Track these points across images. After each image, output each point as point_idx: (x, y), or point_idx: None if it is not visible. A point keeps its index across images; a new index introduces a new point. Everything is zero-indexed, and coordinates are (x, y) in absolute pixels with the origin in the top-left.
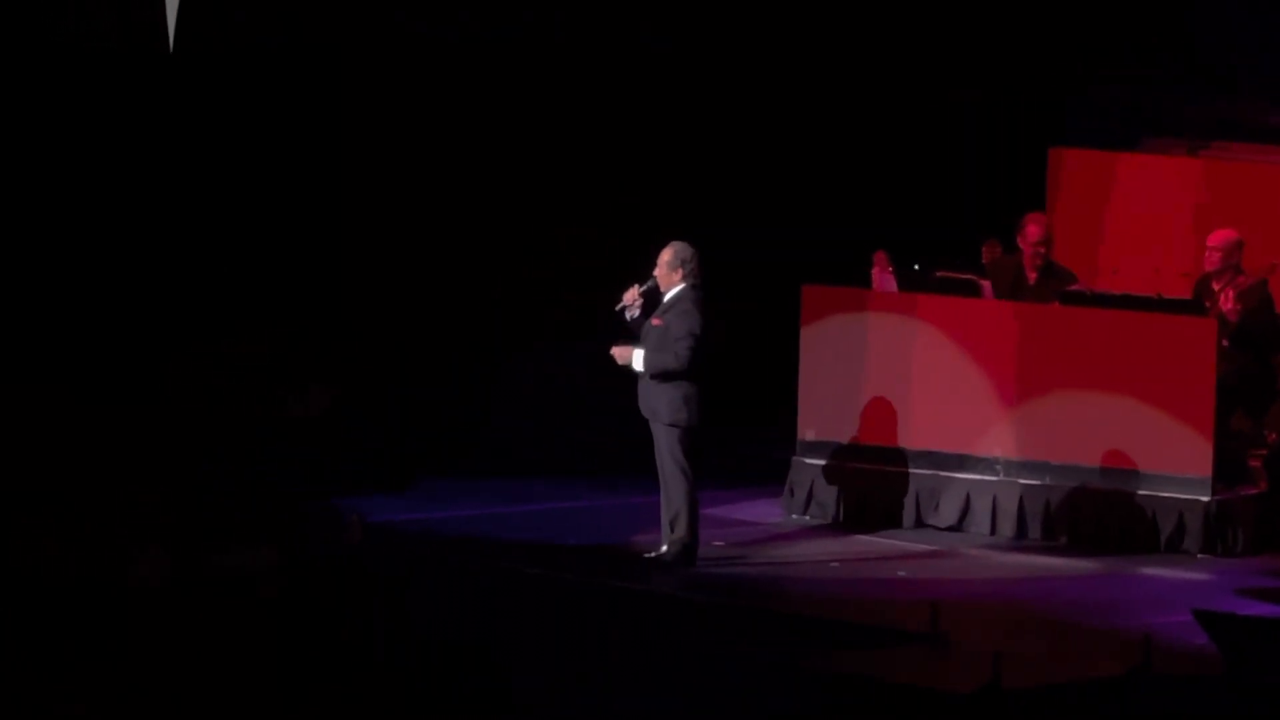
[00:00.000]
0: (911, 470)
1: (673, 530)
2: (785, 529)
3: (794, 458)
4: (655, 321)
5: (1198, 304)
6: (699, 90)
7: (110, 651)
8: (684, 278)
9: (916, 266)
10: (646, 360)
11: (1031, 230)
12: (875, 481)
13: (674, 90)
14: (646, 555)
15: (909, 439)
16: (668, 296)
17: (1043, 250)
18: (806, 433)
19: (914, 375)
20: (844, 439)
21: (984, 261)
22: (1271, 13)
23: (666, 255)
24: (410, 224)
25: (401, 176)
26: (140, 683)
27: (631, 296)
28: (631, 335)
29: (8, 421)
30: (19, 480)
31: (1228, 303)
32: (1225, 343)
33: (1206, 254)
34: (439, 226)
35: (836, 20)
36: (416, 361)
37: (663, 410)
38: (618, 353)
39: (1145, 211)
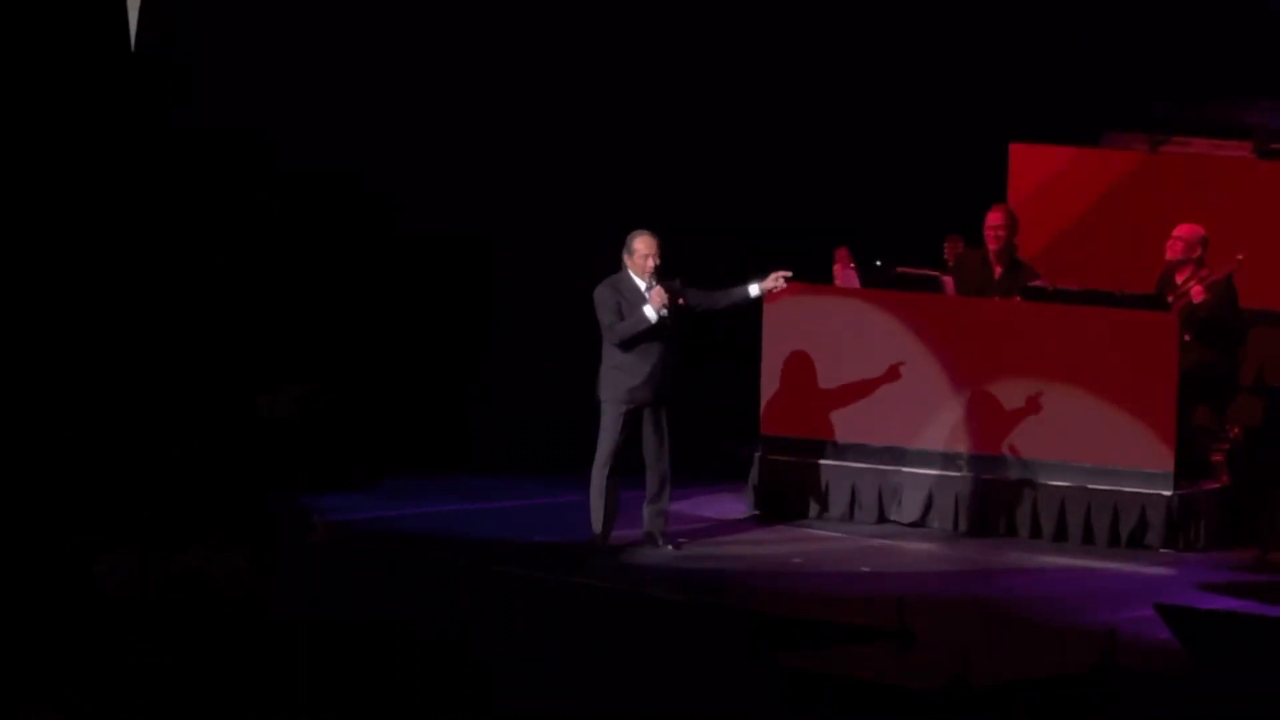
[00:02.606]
0: (874, 466)
1: (665, 517)
2: (748, 525)
3: (757, 454)
4: (681, 301)
5: (1159, 299)
6: (664, 81)
7: (78, 653)
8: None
9: (878, 263)
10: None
11: (992, 217)
12: (838, 477)
13: (643, 82)
14: (667, 546)
15: (871, 435)
16: (667, 282)
17: (1002, 234)
18: (769, 429)
19: (876, 371)
20: (807, 435)
21: (945, 258)
22: (1231, 10)
23: (653, 243)
24: (379, 223)
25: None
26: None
27: (661, 295)
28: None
29: None
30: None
31: (1199, 296)
32: (1188, 337)
33: (1170, 242)
34: (408, 225)
35: (804, 20)
36: (386, 359)
37: (670, 386)
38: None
39: (1106, 206)
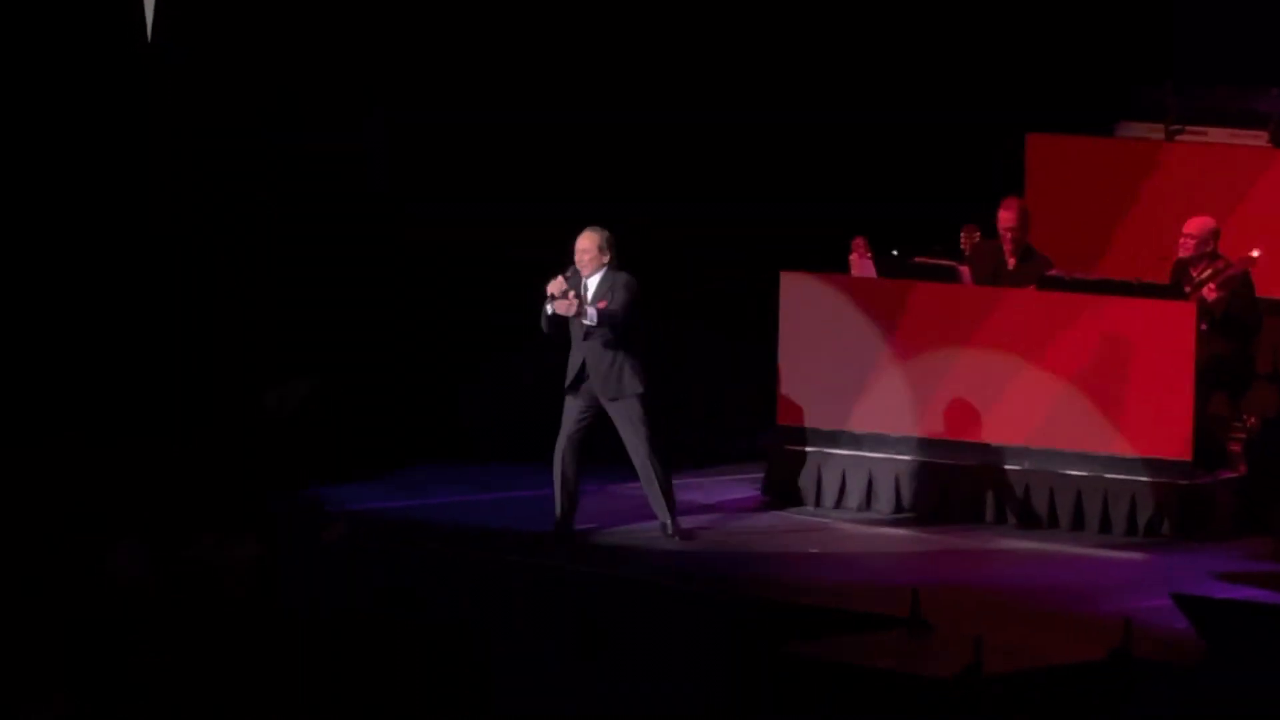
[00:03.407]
0: (890, 455)
1: (667, 505)
2: (764, 514)
3: (772, 443)
4: (601, 305)
5: (1176, 288)
6: (679, 68)
7: (85, 647)
8: (610, 260)
9: (895, 252)
10: (598, 316)
11: (1003, 215)
12: (854, 466)
13: (658, 69)
14: (673, 537)
15: (887, 424)
16: (596, 279)
17: (1016, 235)
18: (785, 418)
19: (892, 361)
20: (823, 424)
21: (962, 247)
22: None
23: (594, 240)
24: (389, 212)
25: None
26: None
27: (559, 285)
28: (557, 328)
29: None
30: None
31: (1212, 294)
32: (1204, 327)
33: (1181, 241)
34: (422, 213)
35: (822, 8)
36: (393, 352)
37: (628, 382)
38: (568, 306)
39: (1123, 196)
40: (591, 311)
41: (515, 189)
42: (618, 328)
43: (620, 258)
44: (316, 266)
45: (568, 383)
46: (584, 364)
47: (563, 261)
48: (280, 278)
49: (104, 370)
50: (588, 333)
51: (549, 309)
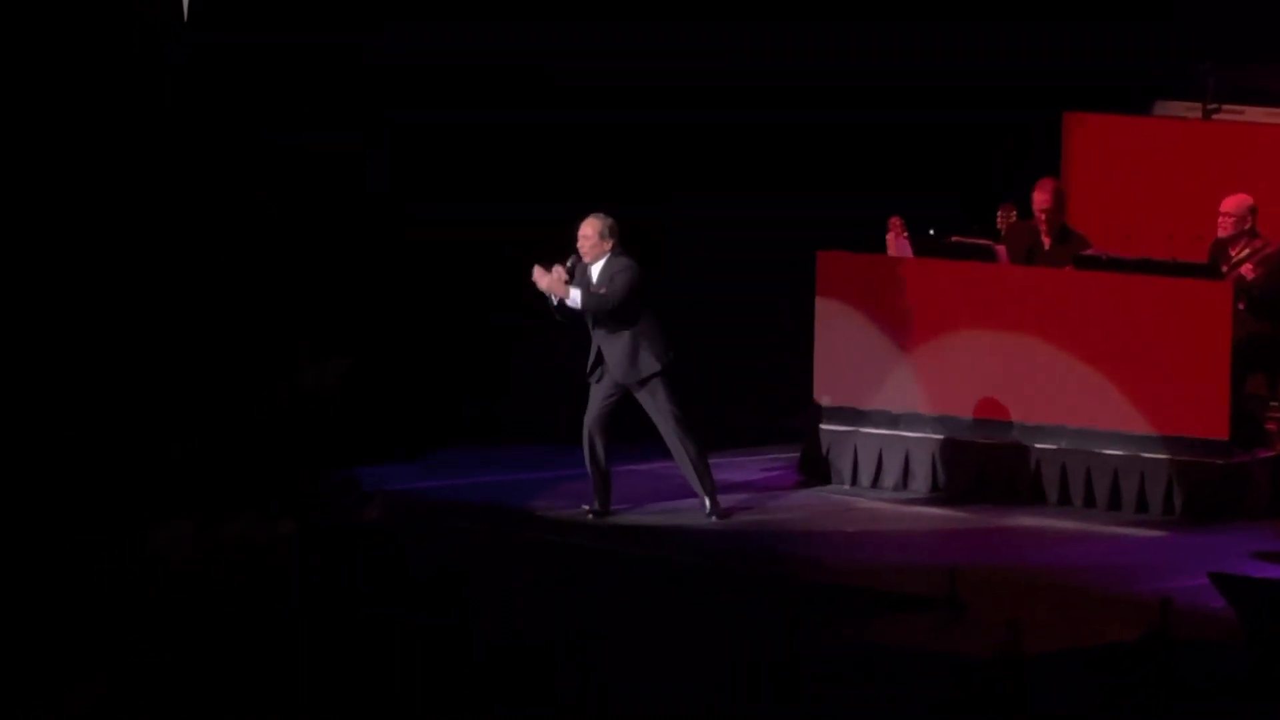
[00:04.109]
0: (927, 435)
1: (703, 485)
2: (799, 493)
3: (810, 423)
4: (602, 291)
5: (1213, 267)
6: (713, 55)
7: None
8: (613, 246)
9: (931, 232)
10: (584, 299)
11: (1038, 197)
12: (891, 446)
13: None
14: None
15: (925, 404)
16: (599, 266)
17: (1051, 216)
18: (822, 398)
19: (929, 340)
20: (860, 404)
21: (999, 227)
22: None
23: (595, 226)
24: (425, 194)
25: (416, 152)
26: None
27: (559, 274)
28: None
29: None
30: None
31: (1251, 273)
32: (1241, 306)
33: (1220, 220)
34: (456, 193)
35: None
36: (432, 330)
37: (645, 364)
38: (551, 282)
39: (1160, 175)
40: (575, 294)
41: (515, 189)
42: (614, 312)
43: (628, 246)
44: (317, 266)
45: (588, 370)
46: (596, 351)
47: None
48: (280, 278)
49: (104, 370)
50: (595, 320)
51: (550, 298)
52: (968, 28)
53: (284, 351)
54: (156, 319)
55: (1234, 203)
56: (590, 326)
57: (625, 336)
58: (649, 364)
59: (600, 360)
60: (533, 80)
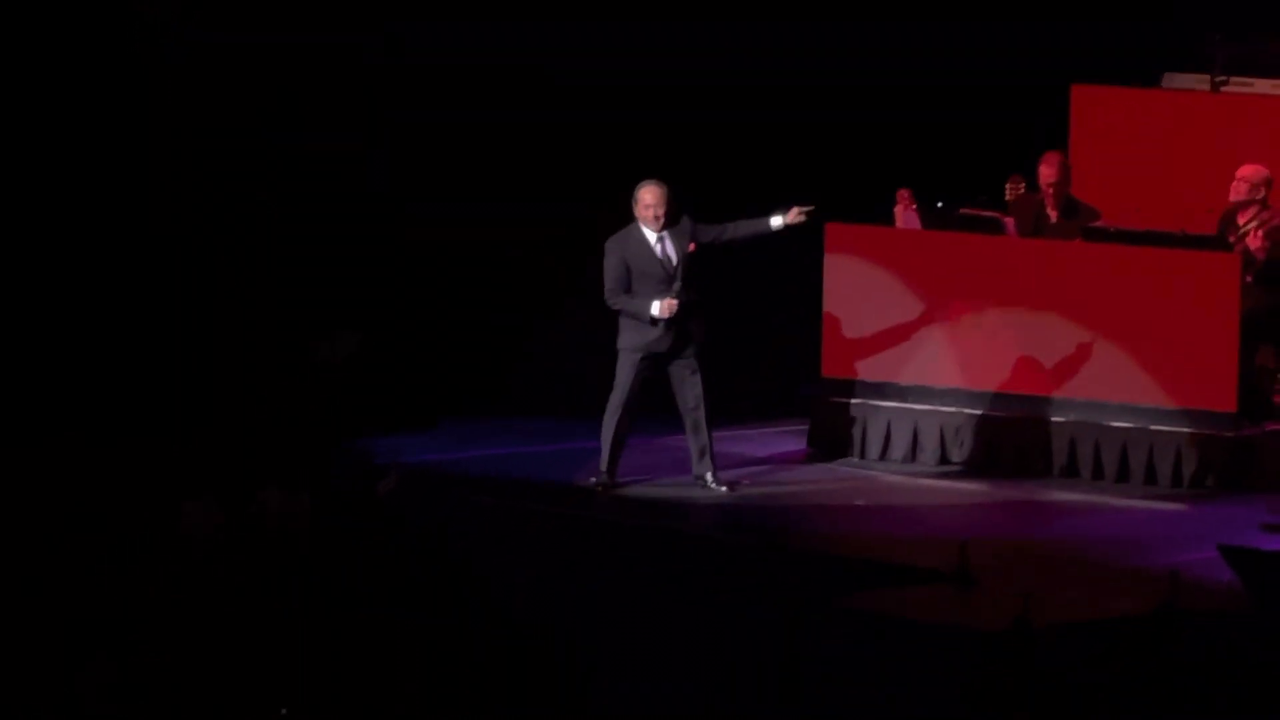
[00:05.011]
0: (935, 407)
1: (713, 460)
2: (810, 467)
3: (818, 395)
4: (691, 248)
5: (1221, 239)
6: (718, 31)
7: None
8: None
9: (940, 204)
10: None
11: (1044, 171)
12: (900, 419)
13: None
14: (720, 487)
15: (933, 376)
16: (672, 232)
17: (1057, 189)
18: (830, 370)
19: (938, 313)
20: (868, 376)
21: (1007, 199)
22: None
23: (658, 194)
24: (434, 171)
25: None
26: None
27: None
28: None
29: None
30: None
31: (1256, 241)
32: (1249, 278)
33: (1234, 184)
34: (463, 170)
35: None
36: (442, 303)
37: (696, 332)
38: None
39: (1168, 147)
40: (679, 288)
41: (515, 189)
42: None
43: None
44: (316, 266)
45: (647, 344)
46: (664, 323)
47: (562, 258)
48: (280, 277)
49: (104, 370)
50: (674, 291)
51: (655, 312)
52: (979, 1)
53: (291, 330)
54: (159, 313)
55: (1251, 169)
56: (675, 293)
57: (688, 304)
58: (700, 331)
59: (662, 333)
60: (533, 80)
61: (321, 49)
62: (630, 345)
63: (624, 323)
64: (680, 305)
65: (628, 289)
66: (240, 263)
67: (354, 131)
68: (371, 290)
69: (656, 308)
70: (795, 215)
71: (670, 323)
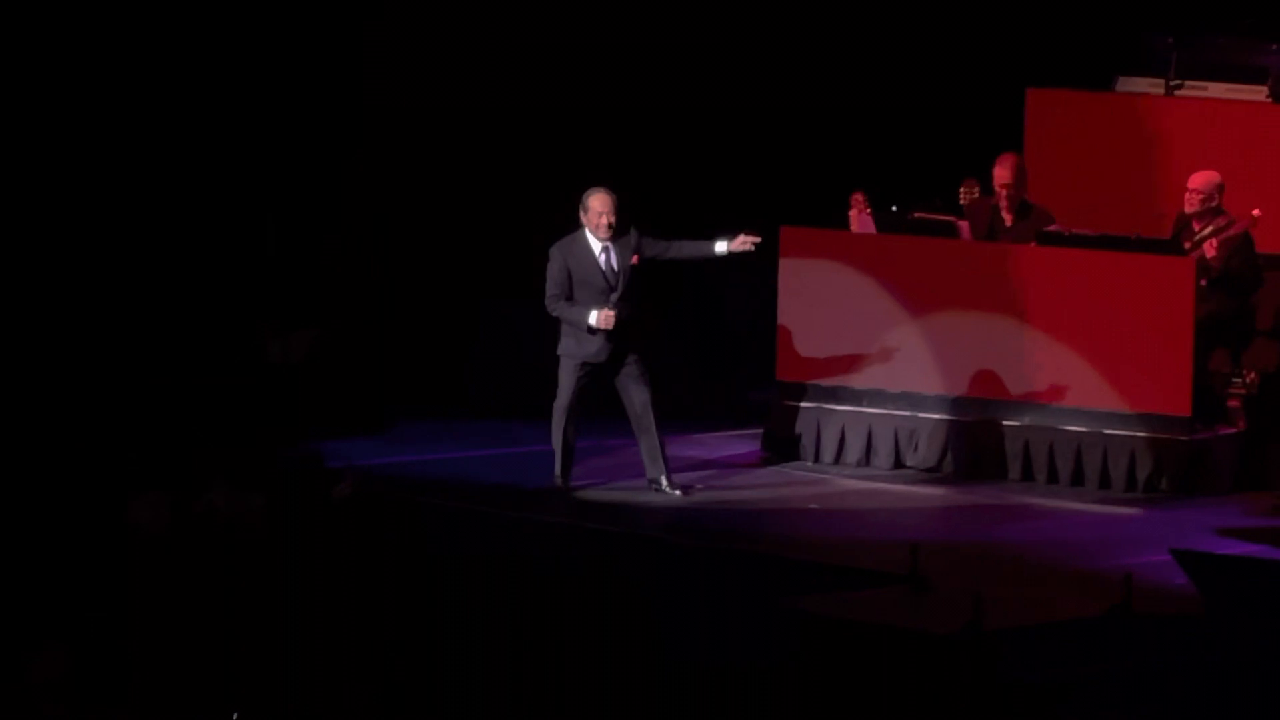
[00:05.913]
0: (890, 411)
1: (666, 463)
2: (764, 470)
3: (772, 399)
4: (635, 260)
5: (1176, 244)
6: (679, 32)
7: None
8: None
9: (894, 208)
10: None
11: (998, 173)
12: (854, 422)
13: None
14: (674, 491)
15: (888, 380)
16: (618, 244)
17: (1012, 192)
18: (784, 374)
19: (892, 316)
20: (822, 380)
21: (961, 203)
22: None
23: (608, 201)
24: (395, 172)
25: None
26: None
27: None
28: None
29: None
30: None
31: (1212, 250)
32: (1203, 283)
33: (1186, 196)
34: (425, 172)
35: None
36: (395, 304)
37: (636, 344)
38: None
39: (1122, 151)
40: (616, 299)
41: (514, 188)
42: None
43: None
44: (269, 265)
45: (585, 353)
46: (603, 334)
47: (515, 258)
48: (234, 274)
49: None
50: (614, 302)
51: (593, 322)
52: (932, 2)
53: (248, 328)
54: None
55: (1202, 179)
56: (612, 304)
57: (626, 314)
58: (642, 343)
59: (601, 343)
60: (533, 79)
61: (321, 49)
62: (569, 353)
63: (564, 329)
64: (618, 318)
65: (569, 296)
66: (192, 258)
67: (353, 133)
68: (326, 290)
69: (594, 318)
70: (741, 243)
71: (609, 335)
